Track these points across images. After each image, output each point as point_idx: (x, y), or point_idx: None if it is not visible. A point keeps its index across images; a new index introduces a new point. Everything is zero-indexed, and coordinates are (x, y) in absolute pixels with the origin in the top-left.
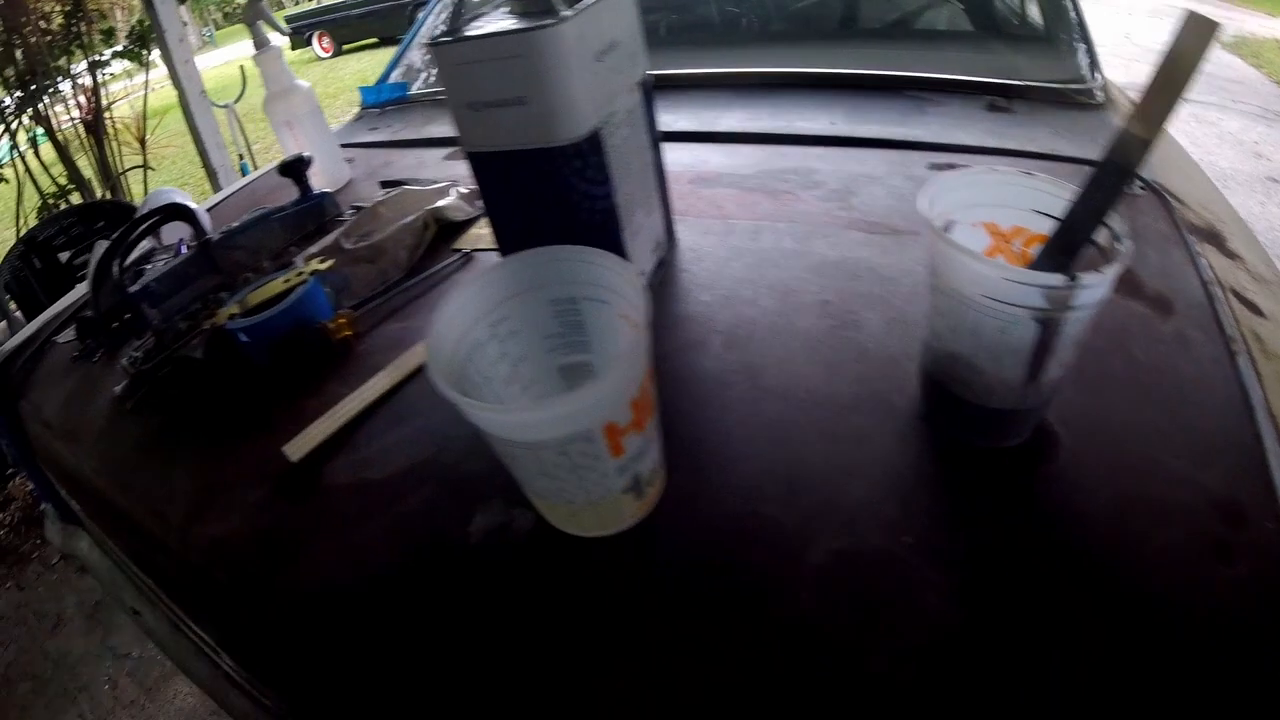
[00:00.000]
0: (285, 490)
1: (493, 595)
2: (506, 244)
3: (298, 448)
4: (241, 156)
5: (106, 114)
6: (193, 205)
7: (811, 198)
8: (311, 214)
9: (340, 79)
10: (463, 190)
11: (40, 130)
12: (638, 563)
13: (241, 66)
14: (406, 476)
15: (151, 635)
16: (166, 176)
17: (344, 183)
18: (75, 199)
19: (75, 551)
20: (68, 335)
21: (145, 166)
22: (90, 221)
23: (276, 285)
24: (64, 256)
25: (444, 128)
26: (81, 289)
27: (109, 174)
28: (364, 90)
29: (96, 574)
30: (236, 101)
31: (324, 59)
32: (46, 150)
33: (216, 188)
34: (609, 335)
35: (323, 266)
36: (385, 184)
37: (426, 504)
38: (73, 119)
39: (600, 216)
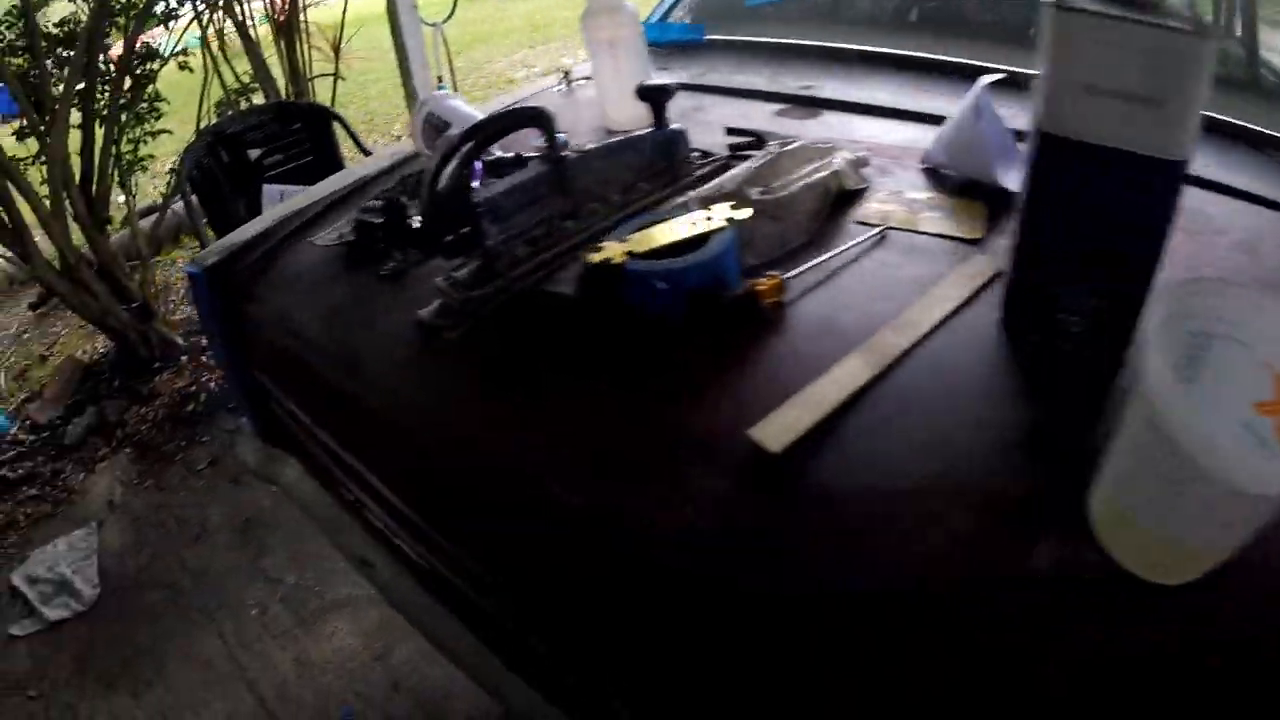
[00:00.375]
0: (762, 484)
1: (1086, 650)
2: (1030, 246)
3: (775, 436)
4: (440, 79)
5: (302, 15)
6: (551, 113)
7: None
8: (664, 151)
9: (508, 19)
10: (848, 156)
11: (230, 23)
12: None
13: None
14: (928, 491)
15: (385, 590)
16: (354, 89)
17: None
18: (258, 100)
19: (275, 478)
20: (327, 237)
21: (336, 75)
22: (285, 121)
23: (674, 228)
24: (253, 154)
25: (754, 78)
26: (323, 189)
27: (298, 77)
28: (647, 27)
29: (309, 509)
30: (446, 21)
31: None
32: (233, 45)
33: (415, 108)
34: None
35: (740, 216)
36: (734, 131)
37: (962, 527)
38: (267, 15)
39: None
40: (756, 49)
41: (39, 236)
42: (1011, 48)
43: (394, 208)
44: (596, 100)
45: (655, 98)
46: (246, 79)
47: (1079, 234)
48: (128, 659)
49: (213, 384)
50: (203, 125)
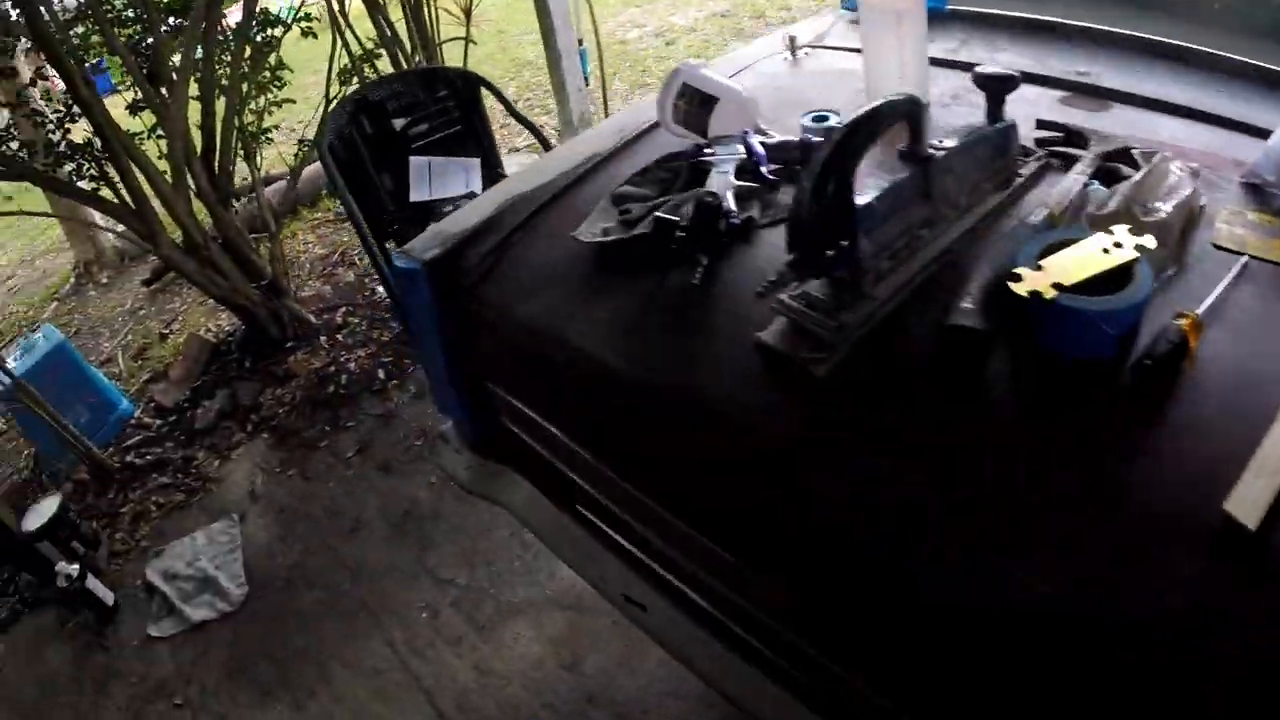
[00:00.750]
0: (1237, 560)
1: None
2: None
3: (1249, 510)
4: (581, 41)
5: None
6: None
7: None
8: (1001, 148)
9: None
10: (1190, 166)
11: None
12: None
13: None
14: None
15: (658, 634)
16: (483, 54)
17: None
18: (383, 68)
19: (494, 495)
20: (591, 231)
21: (468, 39)
22: (431, 88)
23: (1090, 256)
24: (397, 123)
25: (1018, 59)
26: (547, 169)
27: (426, 41)
28: None
29: (544, 535)
30: None
31: None
32: (354, 7)
33: (555, 75)
34: None
35: (1148, 244)
36: (1044, 125)
37: None
38: None
39: None
40: (1009, 24)
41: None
42: None
43: (708, 209)
44: (838, 72)
45: (996, 87)
46: (370, 44)
47: None
48: (284, 665)
49: (352, 364)
50: (332, 94)
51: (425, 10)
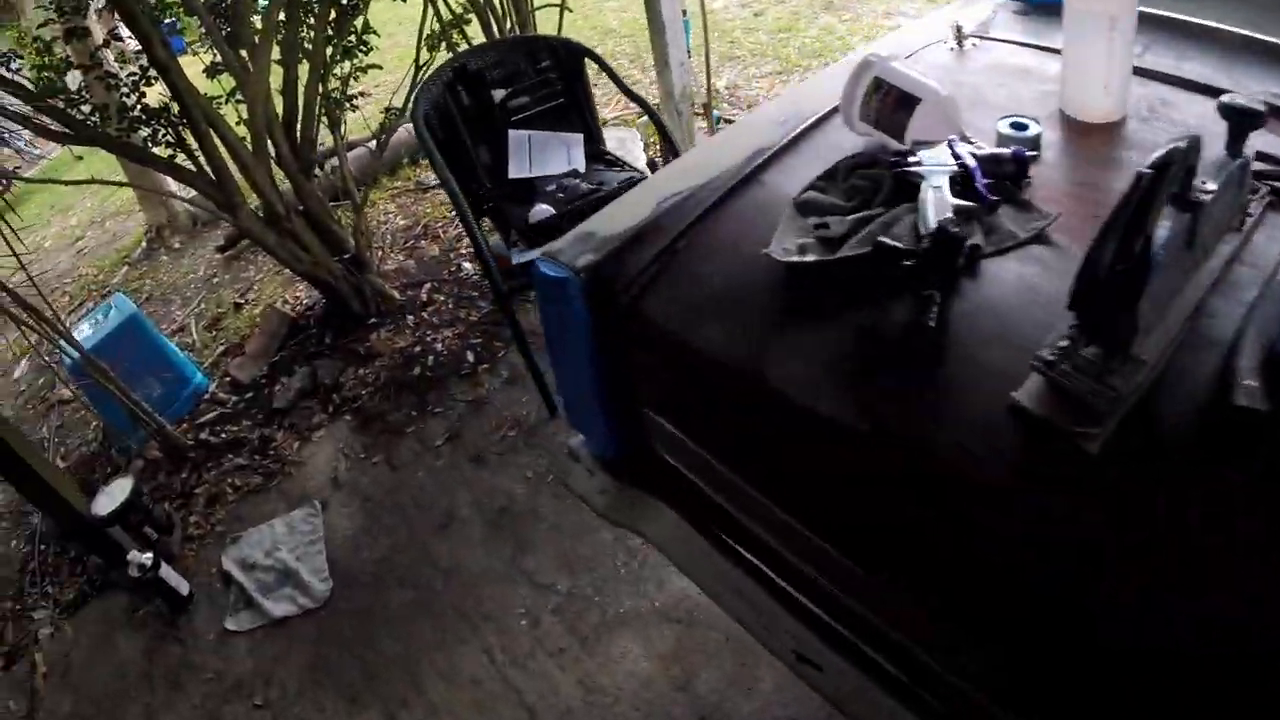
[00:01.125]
0: None
1: None
2: None
3: None
4: (685, 11)
5: None
6: None
7: None
8: (1241, 186)
9: None
10: None
11: None
12: None
13: None
14: None
15: (835, 698)
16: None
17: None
18: (471, 33)
19: (635, 525)
20: (785, 247)
21: (563, 6)
22: (532, 58)
23: None
24: (497, 95)
25: (1207, 70)
26: (705, 165)
27: (520, 8)
28: None
29: (699, 577)
30: None
31: None
32: None
33: (658, 46)
34: None
35: None
36: (1263, 157)
37: None
38: None
39: None
40: (1192, 32)
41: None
42: None
43: (951, 241)
44: (1014, 70)
45: (1242, 121)
46: (460, 8)
47: None
48: (372, 670)
49: (439, 345)
50: (421, 61)
51: None
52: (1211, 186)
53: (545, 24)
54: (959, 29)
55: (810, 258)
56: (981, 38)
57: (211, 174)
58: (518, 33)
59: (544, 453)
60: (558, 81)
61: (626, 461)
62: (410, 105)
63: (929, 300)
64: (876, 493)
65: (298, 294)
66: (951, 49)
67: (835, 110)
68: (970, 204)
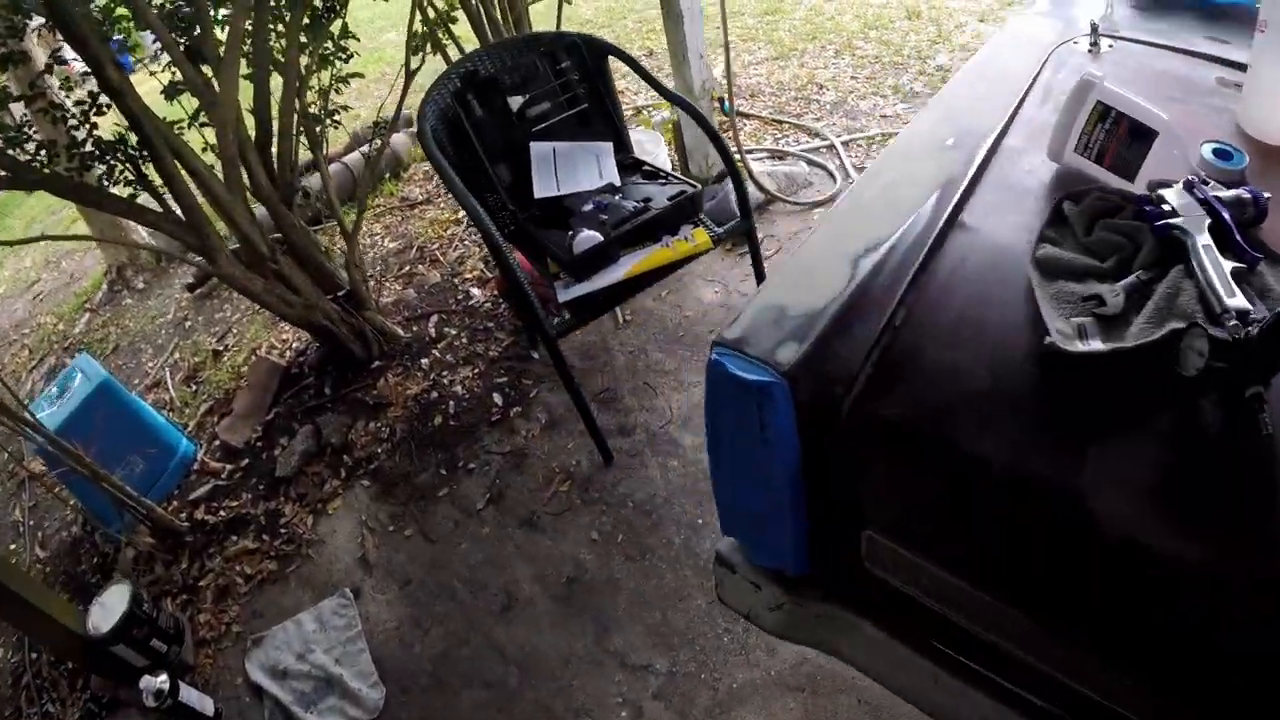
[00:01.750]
0: None
1: None
2: None
3: None
4: None
5: None
6: None
7: None
8: None
9: None
10: None
11: None
12: None
13: None
14: None
15: None
16: (569, 13)
17: None
18: (459, 32)
19: (831, 647)
20: (1065, 334)
21: None
22: (551, 59)
23: None
24: (514, 102)
25: None
26: (893, 204)
27: (515, 3)
28: None
29: (906, 688)
30: None
31: None
32: None
33: (674, 38)
34: None
35: None
36: None
37: None
38: None
39: None
40: None
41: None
42: None
43: None
44: (1161, 76)
45: None
46: (445, 5)
47: None
48: None
49: (458, 387)
50: (414, 66)
51: None
52: None
53: (539, 20)
54: (1095, 29)
55: (1098, 345)
56: (1116, 37)
57: (181, 213)
58: (513, 30)
59: (607, 507)
60: (580, 84)
61: (814, 578)
62: (416, 119)
63: (1257, 399)
64: (1204, 632)
65: (284, 336)
66: (1088, 51)
67: (1008, 127)
68: (1241, 264)
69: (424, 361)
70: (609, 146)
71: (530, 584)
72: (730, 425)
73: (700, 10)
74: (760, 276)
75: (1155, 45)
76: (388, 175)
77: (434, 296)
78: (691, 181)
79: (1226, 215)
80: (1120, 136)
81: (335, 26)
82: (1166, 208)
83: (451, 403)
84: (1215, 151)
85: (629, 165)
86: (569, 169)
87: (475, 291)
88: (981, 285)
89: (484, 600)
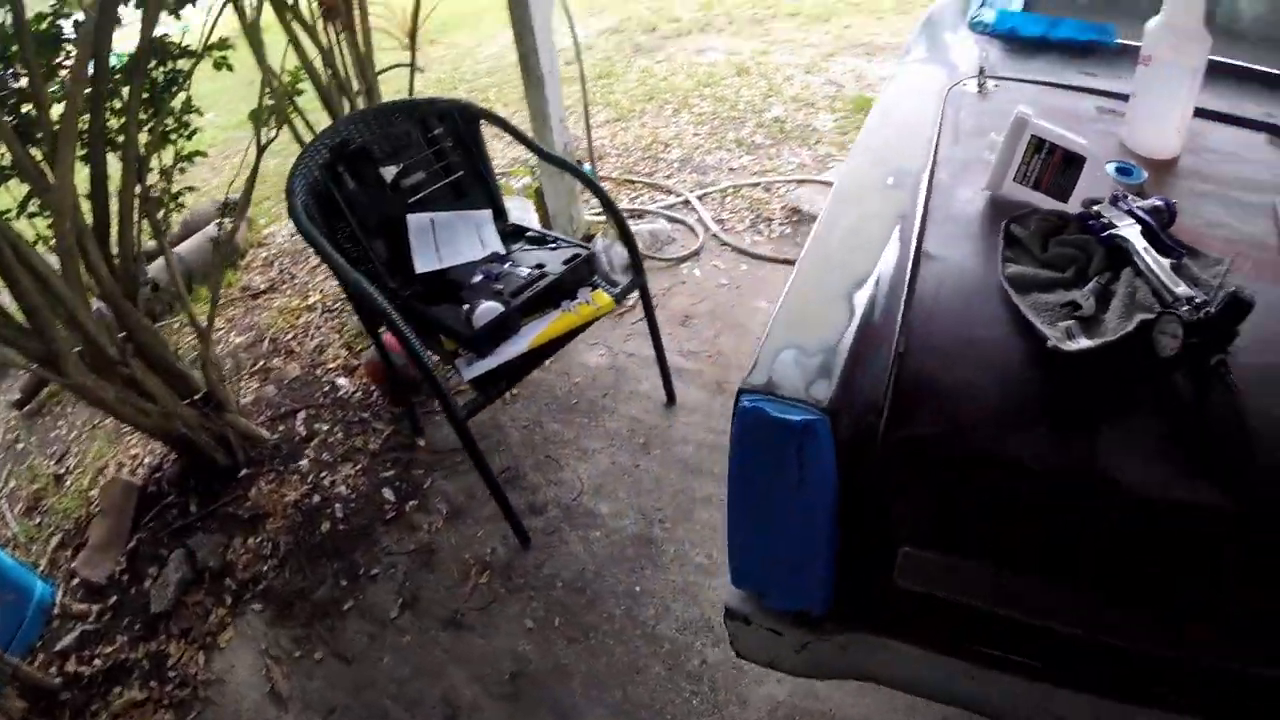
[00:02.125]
0: None
1: None
2: None
3: None
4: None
5: None
6: None
7: None
8: None
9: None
10: None
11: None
12: None
13: None
14: None
15: None
16: (431, 78)
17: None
18: (310, 108)
19: (866, 672)
20: (1058, 334)
21: (413, 66)
22: (423, 126)
23: None
24: (387, 172)
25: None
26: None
27: (365, 72)
28: (1004, 14)
29: (950, 694)
30: None
31: None
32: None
33: (535, 101)
34: None
35: None
36: None
37: None
38: None
39: None
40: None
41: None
42: None
43: (1242, 306)
44: (1050, 111)
45: None
46: (289, 77)
47: None
48: None
49: (341, 487)
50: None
51: (359, 33)
52: None
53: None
54: (982, 70)
55: (1086, 343)
56: (999, 78)
57: (27, 320)
58: (362, 101)
59: (535, 592)
60: (454, 151)
61: (834, 612)
62: (285, 193)
63: (1222, 365)
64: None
65: (133, 451)
66: (978, 90)
67: (935, 165)
68: (1174, 260)
69: (299, 464)
70: (488, 214)
71: (470, 688)
72: (765, 470)
73: (559, 73)
74: (654, 332)
75: (1035, 82)
76: (226, 262)
77: (297, 391)
78: (581, 244)
79: (1151, 221)
80: (1055, 164)
81: (179, 100)
82: (1105, 221)
83: (338, 505)
84: (1118, 169)
85: (511, 233)
86: (449, 240)
87: (342, 381)
88: (963, 306)
89: (423, 716)
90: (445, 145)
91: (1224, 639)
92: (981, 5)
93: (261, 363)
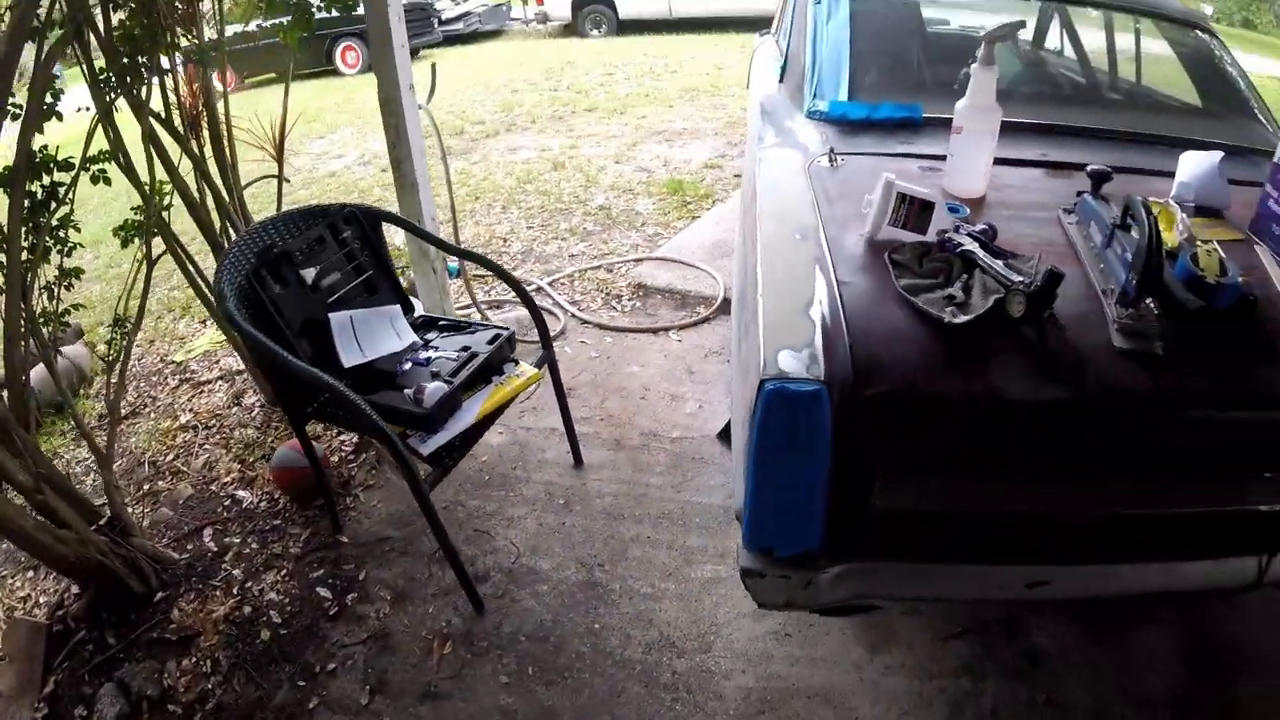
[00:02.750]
0: None
1: None
2: None
3: None
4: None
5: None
6: None
7: None
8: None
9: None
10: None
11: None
12: None
13: (433, 64)
14: None
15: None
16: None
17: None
18: (180, 220)
19: (867, 591)
20: (949, 314)
21: (281, 177)
22: (333, 229)
23: None
24: (308, 275)
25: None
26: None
27: (228, 183)
28: (836, 105)
29: (943, 591)
30: (429, 102)
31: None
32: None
33: (408, 207)
34: None
35: None
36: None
37: None
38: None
39: None
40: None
41: None
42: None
43: (1056, 278)
44: (895, 171)
45: (1099, 177)
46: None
47: None
48: None
49: (273, 594)
50: (138, 256)
51: (225, 144)
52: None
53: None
54: (832, 149)
55: (965, 317)
56: (844, 154)
57: None
58: (238, 214)
59: (502, 650)
60: (362, 251)
61: (823, 549)
62: (215, 298)
63: (1050, 317)
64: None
65: (22, 592)
66: (830, 164)
67: (823, 222)
68: (1004, 261)
69: (217, 579)
70: (398, 309)
71: None
72: (783, 437)
73: (428, 179)
74: (561, 397)
75: (871, 154)
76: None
77: (195, 510)
78: (500, 326)
79: (982, 239)
80: (915, 210)
81: (60, 214)
82: (955, 242)
83: (272, 612)
84: (949, 208)
85: (421, 323)
86: (368, 335)
87: (243, 494)
88: (880, 310)
89: None
90: (354, 246)
91: (1098, 491)
92: (814, 98)
93: (146, 486)
